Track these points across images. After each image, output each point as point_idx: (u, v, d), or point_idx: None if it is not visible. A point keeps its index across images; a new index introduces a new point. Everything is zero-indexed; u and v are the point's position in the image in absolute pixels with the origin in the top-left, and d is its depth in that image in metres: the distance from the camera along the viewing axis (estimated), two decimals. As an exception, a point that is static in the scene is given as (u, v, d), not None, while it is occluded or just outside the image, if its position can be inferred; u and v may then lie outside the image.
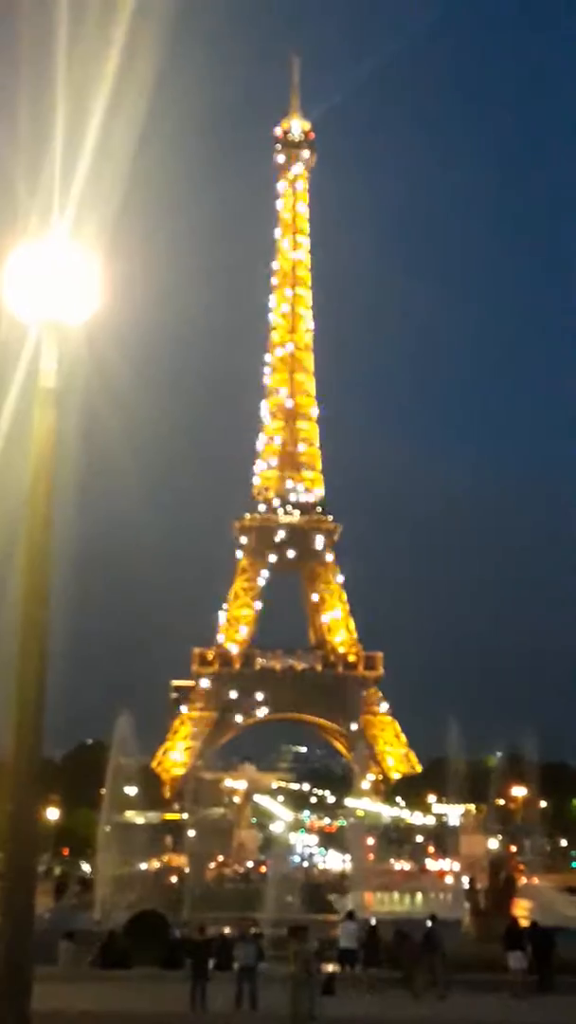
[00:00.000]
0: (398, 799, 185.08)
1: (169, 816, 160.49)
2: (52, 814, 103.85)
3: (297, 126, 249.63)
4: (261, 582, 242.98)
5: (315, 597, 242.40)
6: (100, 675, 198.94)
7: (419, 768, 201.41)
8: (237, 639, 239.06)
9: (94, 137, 14.36)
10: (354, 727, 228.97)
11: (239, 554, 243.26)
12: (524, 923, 35.58)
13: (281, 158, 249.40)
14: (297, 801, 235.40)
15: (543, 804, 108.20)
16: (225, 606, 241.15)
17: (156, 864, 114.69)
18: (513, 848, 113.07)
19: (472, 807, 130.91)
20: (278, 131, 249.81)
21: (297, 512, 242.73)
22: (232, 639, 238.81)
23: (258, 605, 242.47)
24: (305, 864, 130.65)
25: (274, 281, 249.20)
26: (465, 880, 59.58)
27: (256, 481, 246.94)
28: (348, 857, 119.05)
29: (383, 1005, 30.49)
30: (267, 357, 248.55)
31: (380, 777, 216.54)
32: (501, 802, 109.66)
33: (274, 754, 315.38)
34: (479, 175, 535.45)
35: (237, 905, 60.25)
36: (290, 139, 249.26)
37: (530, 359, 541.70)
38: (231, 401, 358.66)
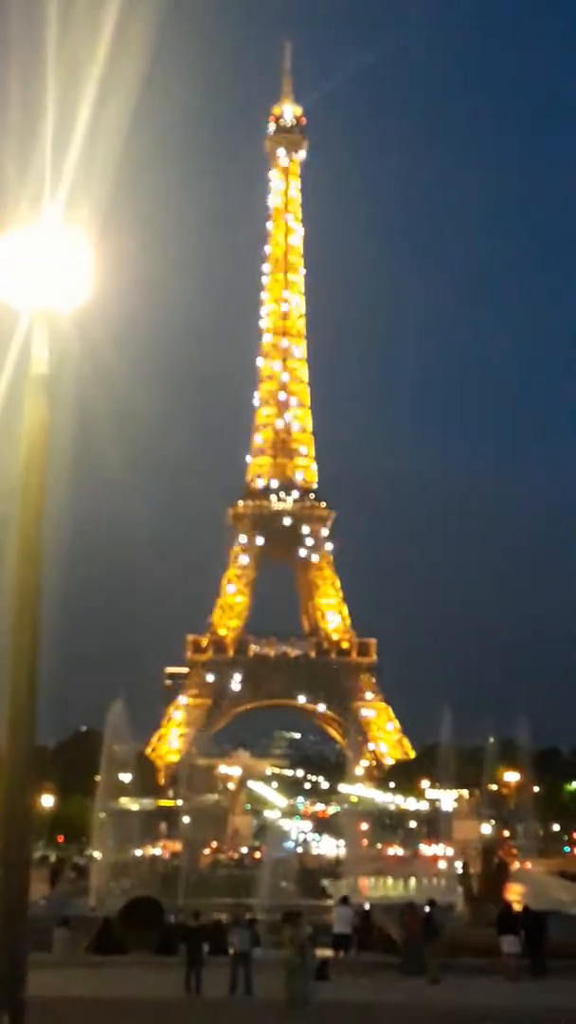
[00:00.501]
0: (391, 785, 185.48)
1: (163, 803, 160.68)
2: (47, 801, 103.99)
3: (289, 111, 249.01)
4: (254, 569, 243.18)
5: (308, 584, 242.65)
6: (94, 663, 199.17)
7: (412, 754, 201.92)
8: (231, 626, 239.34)
9: (85, 123, 14.30)
10: (347, 713, 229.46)
11: (232, 541, 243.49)
12: (517, 907, 35.73)
13: (273, 143, 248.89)
14: (291, 787, 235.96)
15: (536, 789, 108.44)
16: (219, 593, 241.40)
17: (151, 850, 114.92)
18: (506, 833, 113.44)
19: (465, 792, 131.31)
20: (270, 117, 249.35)
21: (290, 499, 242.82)
22: (226, 626, 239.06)
23: (251, 592, 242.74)
24: (299, 850, 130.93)
25: (266, 267, 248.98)
26: (458, 865, 59.74)
27: (249, 468, 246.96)
28: (342, 843, 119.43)
29: (377, 990, 30.60)
30: (260, 343, 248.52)
31: (373, 763, 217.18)
32: (494, 787, 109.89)
33: (268, 740, 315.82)
34: (478, 162, 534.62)
35: (231, 891, 60.37)
36: (282, 124, 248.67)
37: (530, 348, 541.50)
38: (224, 388, 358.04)
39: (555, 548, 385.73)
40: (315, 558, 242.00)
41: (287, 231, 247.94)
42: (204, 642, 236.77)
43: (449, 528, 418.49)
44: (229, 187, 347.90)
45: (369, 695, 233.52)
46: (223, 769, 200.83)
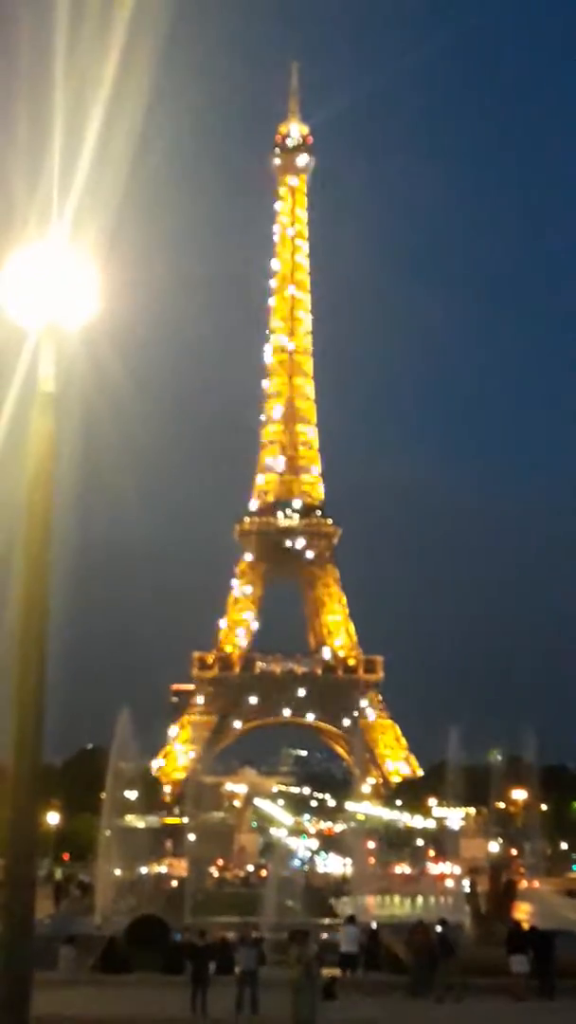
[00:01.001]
0: (398, 802, 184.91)
1: (169, 820, 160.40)
2: (53, 819, 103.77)
3: (296, 130, 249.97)
4: (261, 586, 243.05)
5: (315, 601, 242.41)
6: (100, 680, 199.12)
7: (419, 771, 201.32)
8: (237, 643, 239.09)
9: (93, 141, 14.35)
10: (354, 731, 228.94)
11: (239, 558, 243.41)
12: (525, 927, 35.53)
13: (279, 162, 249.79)
14: (298, 805, 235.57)
15: (543, 807, 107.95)
16: (225, 610, 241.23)
17: (157, 868, 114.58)
18: (513, 851, 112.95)
19: (472, 810, 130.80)
20: (277, 136, 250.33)
21: (297, 516, 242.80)
22: (232, 643, 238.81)
23: (258, 609, 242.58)
24: (306, 868, 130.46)
25: (273, 284, 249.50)
26: (466, 883, 59.47)
27: (256, 485, 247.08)
28: (349, 861, 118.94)
29: (384, 1009, 30.44)
30: (266, 361, 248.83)
31: (380, 781, 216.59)
32: (501, 805, 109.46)
33: (274, 758, 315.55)
34: (485, 181, 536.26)
35: (238, 909, 60.16)
36: (289, 143, 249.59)
37: (534, 363, 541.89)
38: (230, 405, 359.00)
39: (562, 564, 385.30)
40: (321, 575, 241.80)
41: (293, 249, 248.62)
42: (210, 659, 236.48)
43: (455, 544, 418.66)
44: (236, 205, 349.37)
45: (376, 712, 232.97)
46: (229, 787, 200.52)
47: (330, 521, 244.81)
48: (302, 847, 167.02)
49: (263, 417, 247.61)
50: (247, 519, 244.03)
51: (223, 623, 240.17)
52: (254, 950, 29.86)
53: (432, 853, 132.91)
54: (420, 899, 79.26)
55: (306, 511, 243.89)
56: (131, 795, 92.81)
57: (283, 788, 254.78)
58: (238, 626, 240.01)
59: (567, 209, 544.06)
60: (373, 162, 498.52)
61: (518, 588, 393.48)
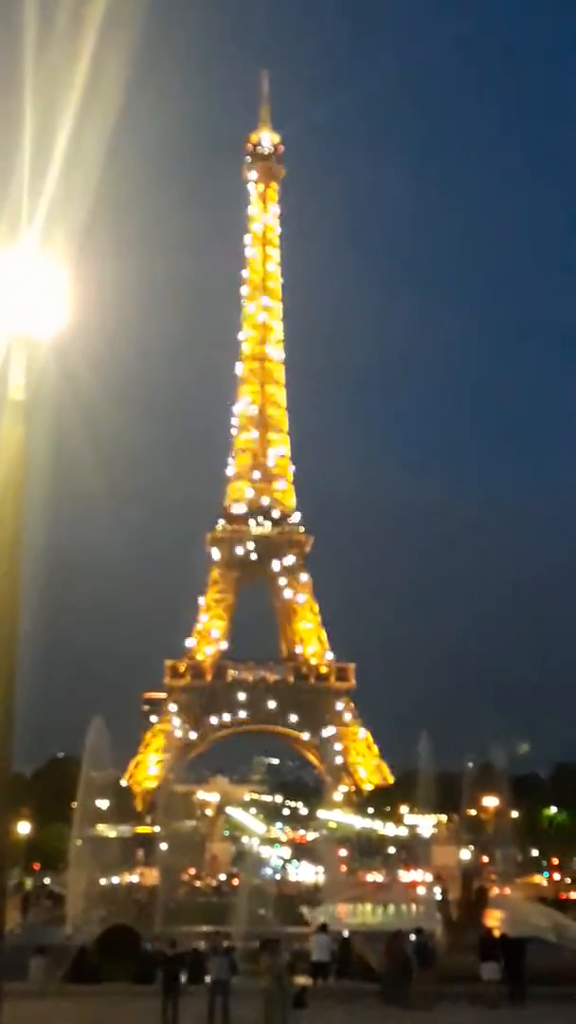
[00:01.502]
0: (370, 810, 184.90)
1: (141, 829, 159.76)
2: (23, 828, 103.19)
3: (267, 138, 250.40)
4: (232, 594, 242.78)
5: (287, 609, 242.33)
6: (71, 689, 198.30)
7: (391, 779, 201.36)
8: (209, 651, 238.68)
9: (63, 148, 14.30)
10: (326, 738, 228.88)
11: (210, 566, 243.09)
12: (497, 934, 35.60)
13: (251, 170, 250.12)
14: (270, 813, 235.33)
15: (514, 814, 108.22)
16: (197, 618, 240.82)
17: (128, 878, 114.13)
18: (485, 859, 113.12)
19: (444, 818, 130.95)
20: (248, 144, 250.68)
21: (268, 523, 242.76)
22: (203, 651, 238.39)
23: (229, 617, 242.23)
24: (277, 877, 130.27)
25: (244, 292, 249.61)
26: (437, 891, 59.49)
27: (227, 493, 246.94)
28: (321, 869, 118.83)
29: (356, 1017, 30.41)
30: (237, 369, 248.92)
31: (352, 788, 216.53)
32: (473, 813, 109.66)
33: (246, 766, 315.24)
34: (455, 189, 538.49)
35: (209, 919, 59.99)
36: (259, 151, 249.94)
37: (504, 370, 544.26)
38: (202, 413, 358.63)
39: (535, 570, 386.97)
40: (293, 583, 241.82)
41: (265, 257, 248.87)
42: (182, 667, 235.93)
43: (427, 553, 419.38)
44: (207, 213, 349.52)
45: (348, 720, 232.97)
46: (201, 795, 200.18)
47: (302, 529, 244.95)
48: (274, 855, 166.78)
49: (234, 425, 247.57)
50: (219, 527, 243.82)
51: (195, 631, 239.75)
52: (226, 959, 29.79)
53: (404, 861, 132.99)
54: (392, 907, 79.16)
55: (278, 519, 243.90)
56: (102, 804, 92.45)
57: (255, 796, 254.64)
58: (210, 634, 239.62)
59: (549, 214, 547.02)
60: (345, 169, 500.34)
61: (490, 596, 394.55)
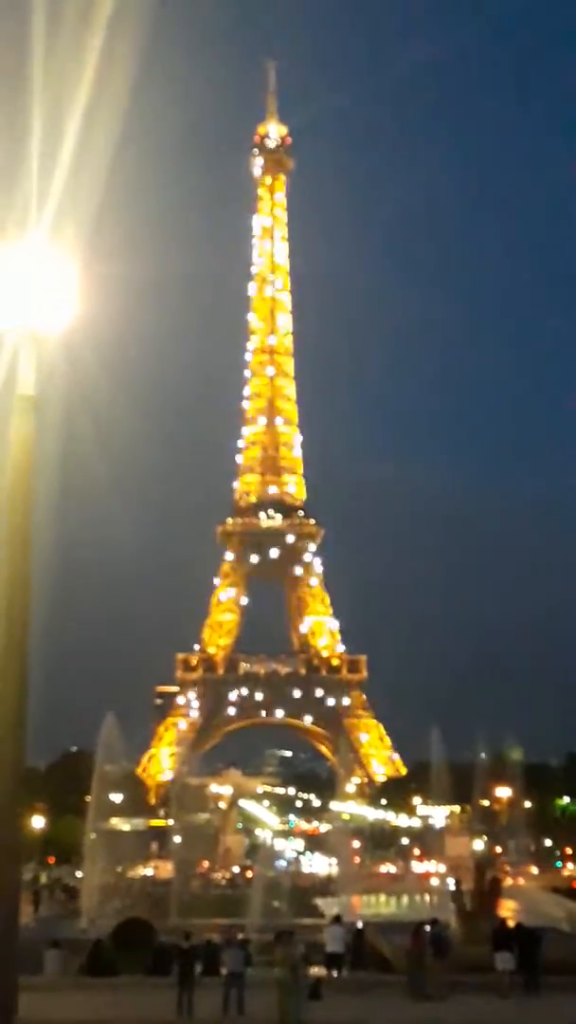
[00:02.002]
0: (383, 802, 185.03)
1: (155, 822, 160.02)
2: (38, 822, 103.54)
3: (274, 131, 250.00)
4: (244, 587, 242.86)
5: (298, 601, 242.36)
6: (84, 683, 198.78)
7: (404, 770, 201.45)
8: (220, 644, 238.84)
9: (72, 144, 14.32)
10: (338, 730, 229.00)
11: (221, 559, 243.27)
12: (511, 924, 35.59)
13: (259, 162, 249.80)
14: (282, 805, 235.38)
15: (527, 804, 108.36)
16: (208, 611, 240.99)
17: (142, 871, 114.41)
18: (498, 849, 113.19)
19: (457, 809, 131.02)
20: (256, 136, 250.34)
21: (279, 516, 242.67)
22: (215, 644, 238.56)
23: (241, 610, 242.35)
24: (291, 868, 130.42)
25: (253, 285, 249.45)
26: (450, 882, 59.56)
27: (237, 486, 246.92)
28: (334, 860, 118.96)
29: (370, 1009, 30.46)
30: (247, 361, 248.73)
31: (365, 780, 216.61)
32: (485, 803, 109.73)
33: (259, 759, 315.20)
34: (466, 178, 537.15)
35: (223, 911, 60.08)
36: (267, 144, 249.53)
37: (523, 363, 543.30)
38: (212, 407, 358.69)
39: (548, 562, 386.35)
40: (304, 575, 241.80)
41: (273, 249, 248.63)
42: (194, 661, 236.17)
43: (439, 544, 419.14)
44: (216, 206, 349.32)
45: (360, 712, 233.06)
46: (214, 788, 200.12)
47: (312, 521, 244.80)
48: (287, 848, 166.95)
49: (244, 419, 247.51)
50: (229, 520, 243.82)
51: (206, 624, 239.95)
52: (240, 951, 29.83)
53: (417, 852, 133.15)
54: (405, 898, 79.29)
55: (288, 511, 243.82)
56: (116, 798, 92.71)
57: (268, 789, 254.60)
58: (221, 627, 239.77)
59: (562, 206, 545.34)
60: (355, 161, 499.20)
61: (502, 587, 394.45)
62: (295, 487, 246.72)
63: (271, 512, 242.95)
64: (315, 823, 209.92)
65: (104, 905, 62.46)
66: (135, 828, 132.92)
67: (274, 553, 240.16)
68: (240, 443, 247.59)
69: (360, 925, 43.55)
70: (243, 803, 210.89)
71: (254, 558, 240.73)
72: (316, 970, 33.62)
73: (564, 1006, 29.60)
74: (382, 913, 69.51)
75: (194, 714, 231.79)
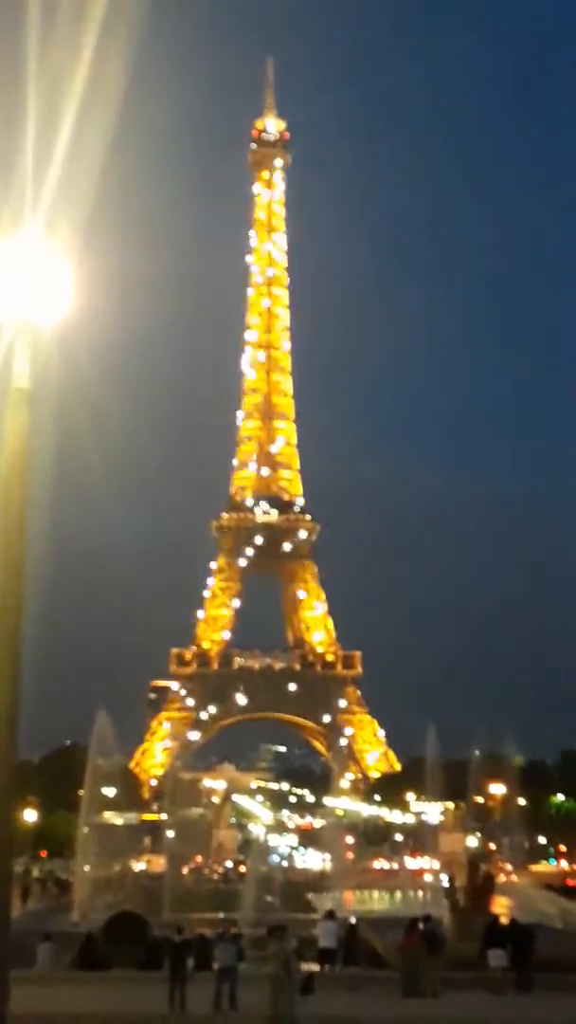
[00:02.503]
0: (377, 797, 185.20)
1: (148, 817, 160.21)
2: (30, 816, 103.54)
3: (272, 125, 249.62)
4: (239, 582, 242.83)
5: (293, 596, 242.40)
6: (78, 677, 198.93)
7: (398, 766, 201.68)
8: (215, 639, 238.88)
9: (66, 137, 14.28)
10: (333, 726, 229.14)
11: (216, 554, 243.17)
12: (504, 920, 35.65)
13: (256, 157, 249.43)
14: (276, 800, 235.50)
15: (521, 802, 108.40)
16: (203, 606, 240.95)
17: (135, 865, 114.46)
18: (492, 846, 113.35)
19: (451, 805, 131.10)
20: (253, 131, 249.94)
21: (275, 511, 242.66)
22: (210, 639, 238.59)
23: (236, 605, 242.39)
24: (284, 864, 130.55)
25: (249, 281, 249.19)
26: (444, 878, 59.62)
27: (233, 481, 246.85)
28: (327, 856, 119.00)
29: (362, 1004, 30.49)
30: (244, 357, 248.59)
31: (359, 776, 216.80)
32: (480, 800, 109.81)
33: (253, 754, 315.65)
34: (466, 176, 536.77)
35: (216, 905, 60.16)
36: (265, 138, 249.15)
37: (525, 363, 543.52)
38: (208, 402, 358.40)
39: (543, 559, 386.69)
40: (299, 571, 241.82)
41: (270, 244, 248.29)
42: (188, 655, 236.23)
43: (434, 540, 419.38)
44: (213, 201, 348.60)
45: (354, 707, 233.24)
46: (208, 783, 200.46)
47: (308, 517, 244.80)
48: (281, 843, 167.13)
49: (240, 413, 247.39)
50: (224, 515, 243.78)
51: (201, 619, 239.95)
52: (232, 946, 29.88)
53: (411, 848, 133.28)
54: (399, 894, 79.39)
55: (284, 507, 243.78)
56: (109, 792, 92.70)
57: (262, 784, 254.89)
58: (216, 622, 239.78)
59: (567, 208, 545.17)
60: (353, 157, 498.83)
61: (497, 583, 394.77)
62: (291, 483, 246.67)
63: (266, 507, 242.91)
64: (309, 818, 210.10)
65: (96, 899, 62.50)
66: (128, 822, 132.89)
67: (269, 548, 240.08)
68: (236, 438, 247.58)
69: (353, 921, 43.57)
70: (236, 798, 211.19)
71: (249, 553, 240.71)
72: (309, 965, 33.64)
73: (557, 1003, 29.65)
74: (375, 909, 69.62)
75: (188, 709, 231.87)
